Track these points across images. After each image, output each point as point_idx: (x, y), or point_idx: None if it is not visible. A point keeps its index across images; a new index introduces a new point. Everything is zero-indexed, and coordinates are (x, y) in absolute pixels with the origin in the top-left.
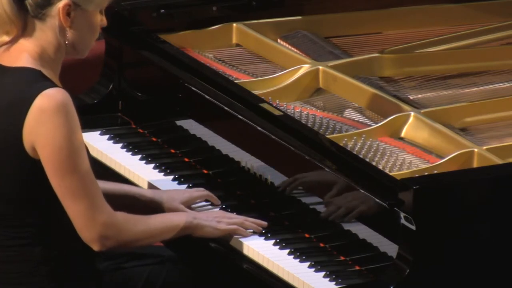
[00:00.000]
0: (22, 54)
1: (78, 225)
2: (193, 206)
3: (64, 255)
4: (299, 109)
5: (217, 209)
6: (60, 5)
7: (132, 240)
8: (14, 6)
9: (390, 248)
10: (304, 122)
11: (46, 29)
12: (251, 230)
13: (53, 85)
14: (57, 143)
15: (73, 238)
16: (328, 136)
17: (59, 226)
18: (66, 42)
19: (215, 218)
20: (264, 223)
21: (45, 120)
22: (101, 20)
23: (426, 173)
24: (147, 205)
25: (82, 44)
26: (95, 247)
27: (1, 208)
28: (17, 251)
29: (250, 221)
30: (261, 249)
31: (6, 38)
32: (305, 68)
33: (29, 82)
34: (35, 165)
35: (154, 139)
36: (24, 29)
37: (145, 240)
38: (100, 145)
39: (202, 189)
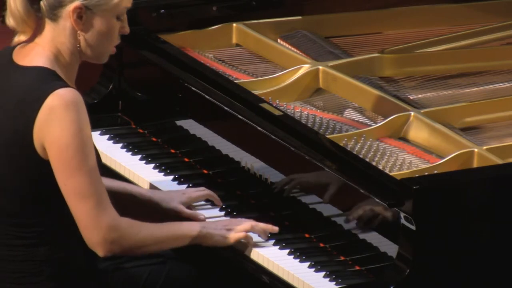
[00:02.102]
0: (37, 54)
1: (83, 226)
2: (194, 205)
3: (68, 256)
4: (299, 109)
5: (218, 209)
6: (70, 7)
7: (137, 246)
8: (27, 6)
9: (390, 248)
10: (304, 122)
11: (59, 31)
12: (263, 240)
13: (65, 85)
14: (63, 141)
15: (78, 240)
16: (328, 136)
17: (65, 228)
18: (78, 45)
19: (224, 227)
20: (276, 228)
21: (54, 118)
22: (121, 27)
23: (426, 173)
24: (146, 205)
25: (96, 49)
26: (100, 251)
27: (10, 206)
28: (22, 250)
29: (260, 227)
30: (261, 249)
31: (23, 38)
32: (305, 68)
33: (41, 81)
34: (43, 165)
35: (154, 139)
36: (39, 30)
37: (150, 247)
38: (100, 145)
39: (202, 188)
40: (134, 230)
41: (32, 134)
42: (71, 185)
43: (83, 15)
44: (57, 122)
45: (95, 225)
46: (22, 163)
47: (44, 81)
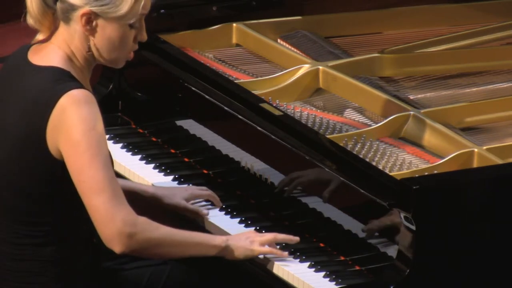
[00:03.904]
0: (52, 54)
1: (98, 220)
2: (193, 203)
3: (72, 256)
4: (299, 109)
5: (217, 209)
6: (80, 12)
7: (154, 244)
8: (42, 6)
9: (390, 248)
10: (304, 122)
11: (71, 33)
12: (287, 253)
13: (78, 85)
14: (76, 137)
15: (83, 241)
16: (328, 136)
17: (71, 228)
18: (89, 50)
19: (247, 239)
20: (296, 238)
21: (66, 117)
22: (139, 34)
23: (426, 173)
24: (148, 201)
25: (108, 54)
26: (116, 247)
27: (19, 204)
28: (28, 249)
29: (282, 237)
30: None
31: (40, 37)
32: (305, 68)
33: (55, 82)
34: (55, 165)
35: (154, 139)
36: (54, 30)
37: (169, 248)
38: None
39: (205, 188)
40: (151, 227)
41: (46, 134)
42: (85, 180)
43: (92, 21)
44: (69, 120)
45: (110, 218)
46: (34, 163)
47: (58, 81)
